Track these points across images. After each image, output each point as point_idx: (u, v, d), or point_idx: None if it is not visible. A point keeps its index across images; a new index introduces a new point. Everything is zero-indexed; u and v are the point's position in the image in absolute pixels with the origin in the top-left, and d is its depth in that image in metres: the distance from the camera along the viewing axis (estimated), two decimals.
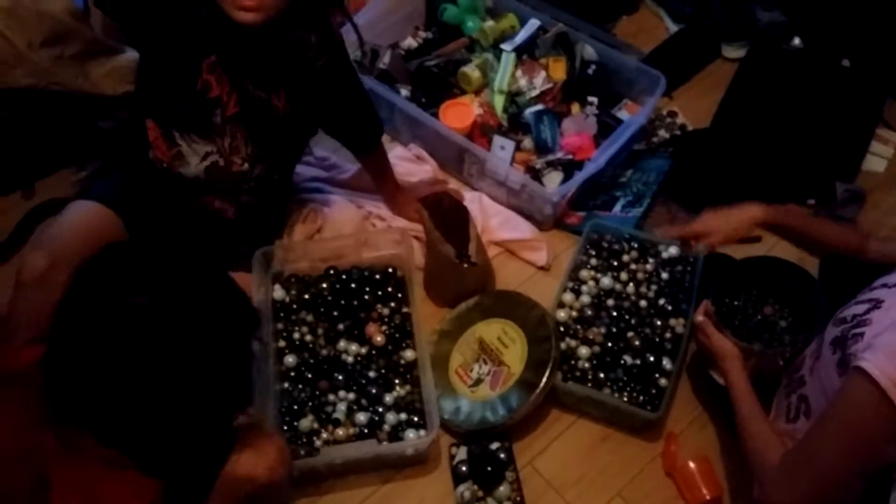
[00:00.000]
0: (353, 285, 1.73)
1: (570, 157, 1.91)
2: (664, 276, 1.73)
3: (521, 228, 1.91)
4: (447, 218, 1.77)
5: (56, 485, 0.96)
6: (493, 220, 1.92)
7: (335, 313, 1.70)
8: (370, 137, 1.76)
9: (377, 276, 1.75)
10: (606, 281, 1.73)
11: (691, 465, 1.53)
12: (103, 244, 1.04)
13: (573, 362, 1.62)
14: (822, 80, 2.16)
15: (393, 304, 1.72)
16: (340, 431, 1.54)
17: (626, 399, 1.58)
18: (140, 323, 0.92)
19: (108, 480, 0.98)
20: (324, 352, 1.65)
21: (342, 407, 1.57)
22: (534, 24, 2.09)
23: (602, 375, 1.60)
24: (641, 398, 1.58)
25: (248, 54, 1.43)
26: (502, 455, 1.55)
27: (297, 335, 1.67)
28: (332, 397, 1.59)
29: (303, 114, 1.56)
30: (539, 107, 1.97)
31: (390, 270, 1.76)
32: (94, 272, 0.97)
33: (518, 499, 1.51)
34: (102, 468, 0.97)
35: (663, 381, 1.59)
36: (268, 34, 1.39)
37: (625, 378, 1.60)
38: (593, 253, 1.79)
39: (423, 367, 1.60)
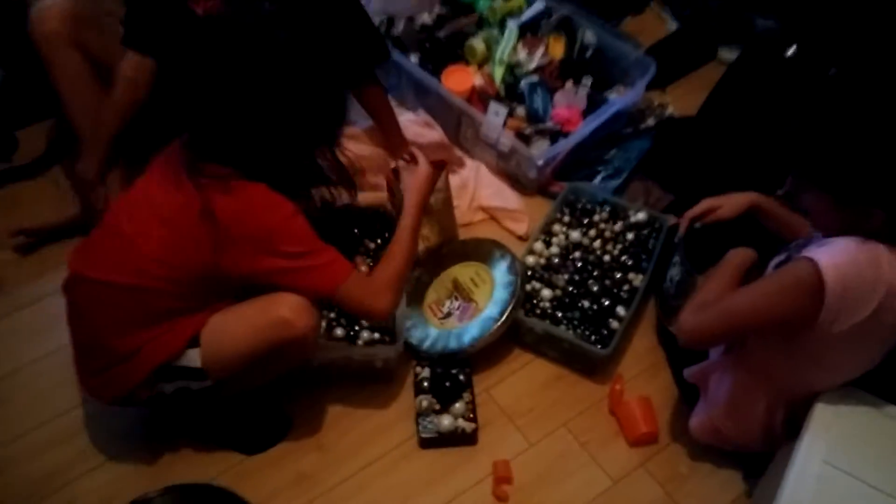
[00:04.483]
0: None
1: (559, 127, 2.06)
2: (630, 236, 1.87)
3: (508, 199, 2.06)
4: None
5: (216, 204, 1.31)
6: (486, 190, 2.07)
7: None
8: (375, 51, 1.91)
9: (368, 214, 1.90)
10: (575, 235, 1.87)
11: (632, 401, 1.66)
12: None
13: (535, 301, 1.76)
14: (807, 87, 2.28)
15: (379, 241, 1.87)
16: (320, 341, 1.67)
17: (579, 337, 1.71)
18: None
19: (251, 189, 1.34)
20: None
21: (322, 323, 1.71)
22: (540, 5, 2.25)
23: (560, 314, 1.73)
24: (594, 337, 1.70)
25: None
26: (461, 377, 1.68)
27: None
28: None
29: (303, 35, 1.71)
30: (534, 78, 2.11)
31: (380, 211, 1.91)
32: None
33: (471, 416, 1.64)
34: (244, 185, 1.33)
35: (615, 325, 1.72)
36: None
37: (580, 318, 1.73)
38: (567, 211, 1.93)
39: None
